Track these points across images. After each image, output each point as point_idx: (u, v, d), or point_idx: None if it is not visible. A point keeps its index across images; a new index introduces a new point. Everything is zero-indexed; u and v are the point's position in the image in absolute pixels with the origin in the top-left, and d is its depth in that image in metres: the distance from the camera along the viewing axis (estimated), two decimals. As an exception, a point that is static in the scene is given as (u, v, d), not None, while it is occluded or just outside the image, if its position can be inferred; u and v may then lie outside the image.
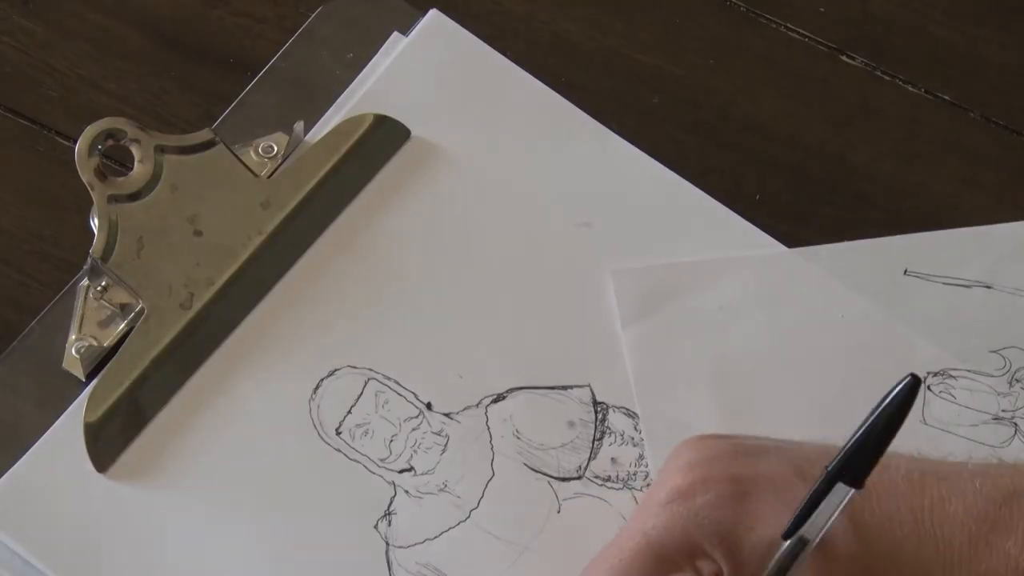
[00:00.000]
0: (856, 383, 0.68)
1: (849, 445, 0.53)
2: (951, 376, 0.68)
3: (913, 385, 0.52)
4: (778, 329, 0.69)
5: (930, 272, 0.70)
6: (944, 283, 0.70)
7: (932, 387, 0.68)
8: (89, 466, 0.65)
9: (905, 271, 0.70)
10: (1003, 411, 0.68)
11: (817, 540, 0.55)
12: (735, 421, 0.66)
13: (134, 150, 0.68)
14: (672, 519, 0.58)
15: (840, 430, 0.61)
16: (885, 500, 0.58)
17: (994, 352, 0.69)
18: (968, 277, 0.70)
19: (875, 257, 0.71)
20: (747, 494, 0.57)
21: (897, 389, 0.52)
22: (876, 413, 0.53)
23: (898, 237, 0.71)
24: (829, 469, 0.54)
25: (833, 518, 0.55)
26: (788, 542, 0.55)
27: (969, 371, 0.68)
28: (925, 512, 0.58)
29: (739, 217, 0.71)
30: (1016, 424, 0.67)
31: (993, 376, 0.68)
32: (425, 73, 0.73)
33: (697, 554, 0.57)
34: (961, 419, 0.67)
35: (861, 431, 0.53)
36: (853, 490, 0.54)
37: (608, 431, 0.67)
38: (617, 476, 0.66)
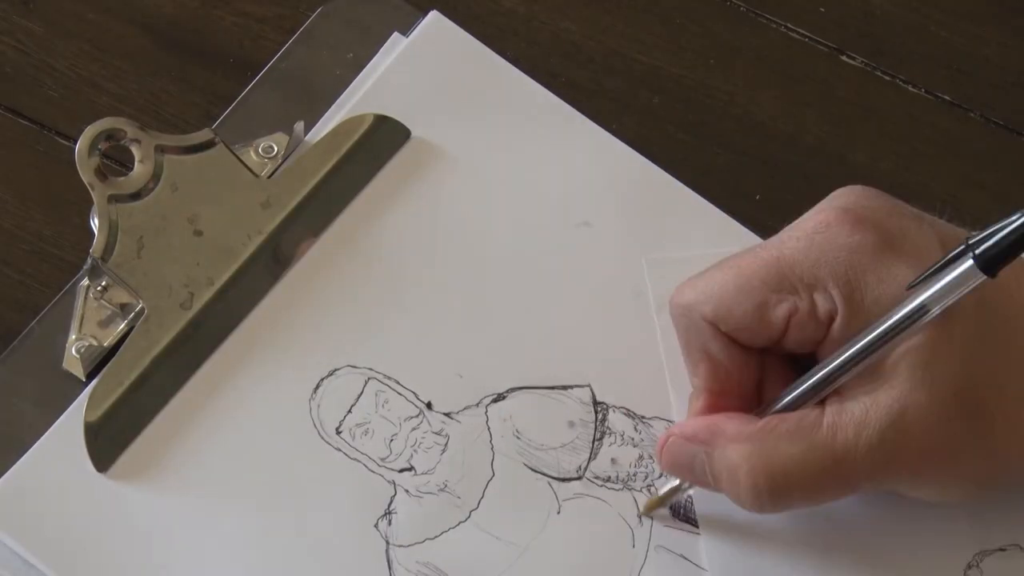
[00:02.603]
0: None
1: (995, 227, 0.54)
2: None
3: None
4: None
5: None
6: None
7: None
8: (89, 466, 0.65)
9: None
10: None
11: (936, 312, 0.56)
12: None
13: (134, 150, 0.68)
14: (811, 246, 0.59)
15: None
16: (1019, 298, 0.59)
17: None
18: None
19: None
20: (889, 249, 0.59)
21: None
22: None
23: None
24: (969, 241, 0.55)
25: (957, 296, 0.56)
26: (908, 302, 0.57)
27: None
28: None
29: (735, 221, 0.71)
30: None
31: None
32: (425, 74, 0.73)
33: (819, 288, 0.59)
34: None
35: (1014, 221, 0.54)
36: (985, 277, 0.55)
37: (608, 431, 0.67)
38: (617, 476, 0.66)
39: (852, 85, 0.76)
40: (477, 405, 0.67)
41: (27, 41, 0.75)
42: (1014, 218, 0.54)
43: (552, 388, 0.67)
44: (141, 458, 0.65)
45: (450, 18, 0.74)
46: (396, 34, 0.74)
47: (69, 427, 0.66)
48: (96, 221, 0.68)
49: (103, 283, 0.68)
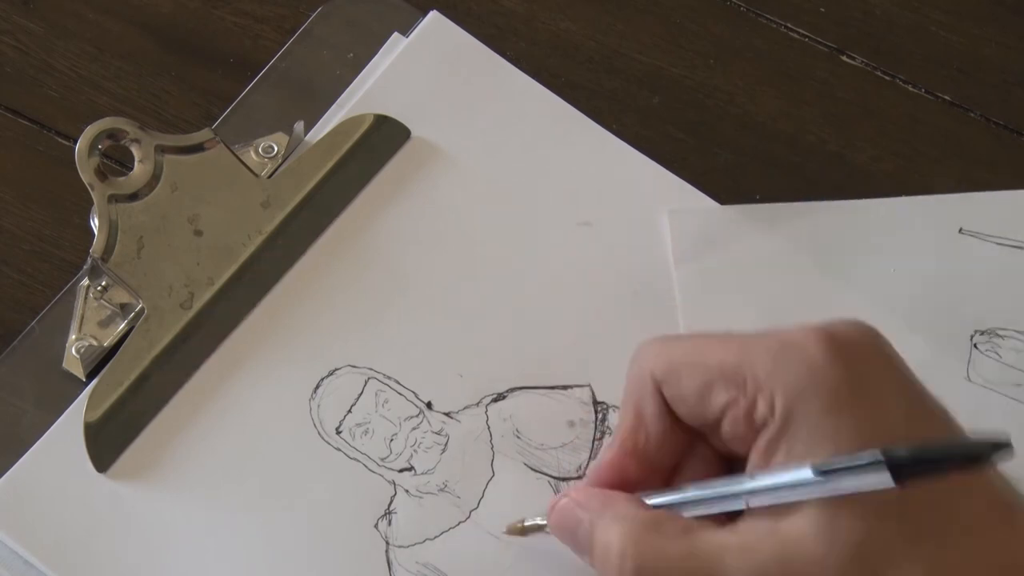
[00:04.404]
0: (904, 338, 0.67)
1: (918, 446, 0.51)
2: (998, 335, 0.69)
3: (1003, 447, 0.50)
4: (830, 278, 0.69)
5: (985, 232, 0.70)
6: (997, 243, 0.70)
7: (978, 345, 0.68)
8: (89, 466, 0.65)
9: (960, 229, 0.70)
10: None
11: (826, 494, 0.53)
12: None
13: (134, 150, 0.68)
14: (778, 352, 0.56)
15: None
16: (970, 534, 0.54)
17: None
18: (1022, 239, 0.70)
19: (930, 214, 0.71)
20: (850, 392, 0.55)
21: (990, 437, 0.51)
22: (962, 442, 0.51)
23: (955, 195, 0.71)
24: (887, 453, 0.51)
25: (857, 489, 0.52)
26: (805, 472, 0.53)
27: (1017, 331, 0.69)
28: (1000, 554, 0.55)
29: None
30: None
31: None
32: (425, 74, 0.73)
33: (764, 392, 0.55)
34: (1006, 378, 0.67)
35: (940, 447, 0.51)
36: (893, 485, 0.52)
37: (608, 431, 0.67)
38: (617, 476, 0.66)
39: (852, 85, 0.76)
40: (477, 405, 0.67)
41: (27, 41, 0.75)
42: (940, 442, 0.52)
43: (552, 388, 0.67)
44: (141, 458, 0.65)
45: (450, 18, 0.74)
46: (396, 34, 0.74)
47: (69, 427, 0.66)
48: (96, 221, 0.67)
49: (103, 283, 0.68)
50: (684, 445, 0.59)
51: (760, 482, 0.55)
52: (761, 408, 0.56)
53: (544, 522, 0.62)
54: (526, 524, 0.63)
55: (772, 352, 0.56)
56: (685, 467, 0.59)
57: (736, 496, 0.56)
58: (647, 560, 0.56)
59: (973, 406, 0.64)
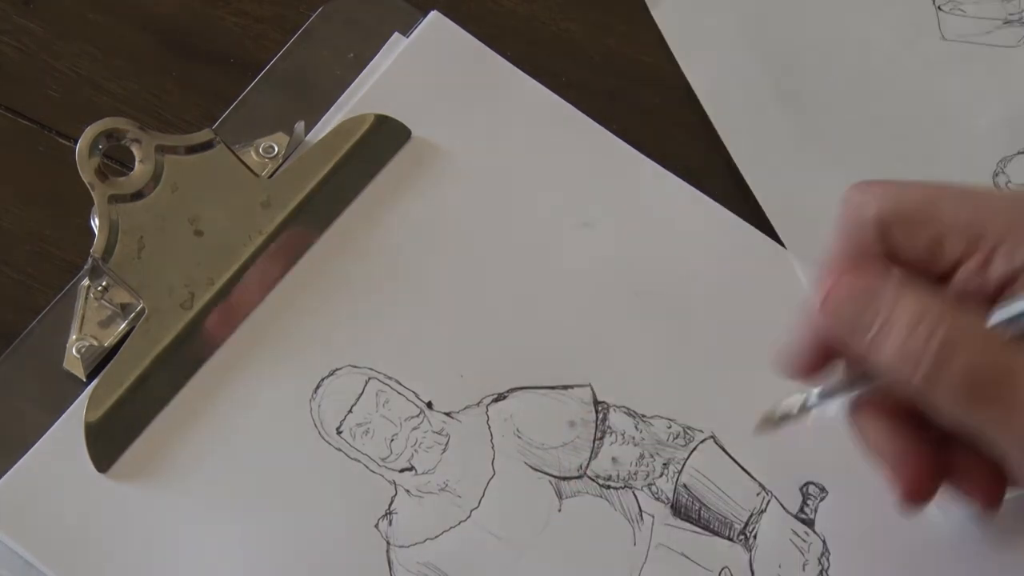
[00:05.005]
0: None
1: None
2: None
3: None
4: None
5: None
6: None
7: (942, 7, 0.74)
8: (89, 466, 0.65)
9: None
10: (1010, 15, 0.74)
11: None
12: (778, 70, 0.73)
13: (135, 150, 0.68)
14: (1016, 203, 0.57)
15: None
16: None
17: None
18: None
19: None
20: None
21: None
22: None
23: None
24: None
25: None
26: None
27: None
28: None
29: (738, 218, 0.71)
30: None
31: None
32: (426, 74, 0.73)
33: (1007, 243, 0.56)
34: (976, 29, 0.73)
35: None
36: None
37: (609, 431, 0.67)
38: (618, 476, 0.66)
39: (852, 85, 0.76)
40: (478, 404, 0.67)
41: (27, 41, 0.75)
42: None
43: (553, 388, 0.68)
44: (141, 458, 0.65)
45: (450, 18, 0.74)
46: (396, 34, 0.74)
47: (69, 427, 0.65)
48: (96, 221, 0.67)
49: (103, 283, 0.68)
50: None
51: None
52: (1000, 263, 0.56)
53: (815, 403, 0.60)
54: (780, 413, 0.61)
55: (1012, 209, 0.57)
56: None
57: None
58: (954, 334, 0.55)
59: (957, 59, 0.72)
